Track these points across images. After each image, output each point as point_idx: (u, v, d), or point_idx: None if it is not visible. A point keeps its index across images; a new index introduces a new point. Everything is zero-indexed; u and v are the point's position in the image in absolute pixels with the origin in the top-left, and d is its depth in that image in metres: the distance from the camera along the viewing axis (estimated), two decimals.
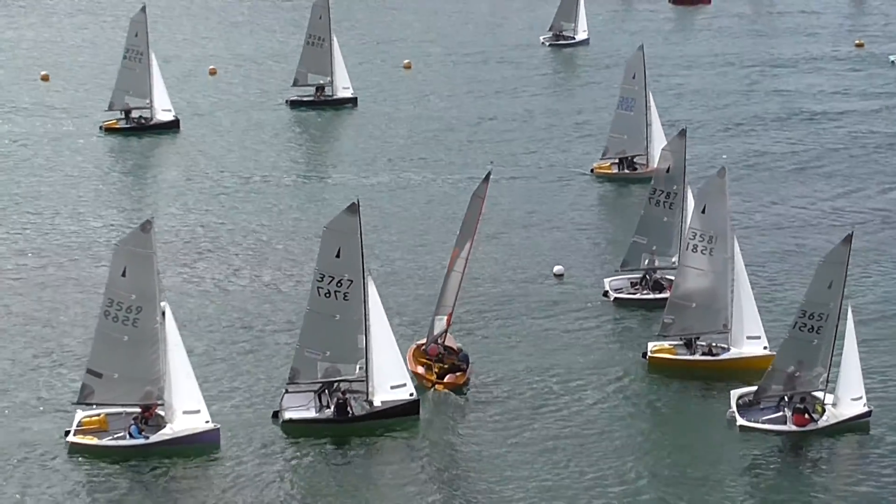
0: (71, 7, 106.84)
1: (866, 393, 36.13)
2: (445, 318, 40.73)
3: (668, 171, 43.88)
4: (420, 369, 39.51)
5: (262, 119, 70.66)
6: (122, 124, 65.84)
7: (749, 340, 38.93)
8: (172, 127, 66.29)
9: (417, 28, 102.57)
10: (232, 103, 73.80)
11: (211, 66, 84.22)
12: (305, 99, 73.14)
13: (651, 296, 46.47)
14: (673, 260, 45.67)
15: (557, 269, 49.25)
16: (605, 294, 46.64)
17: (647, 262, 45.84)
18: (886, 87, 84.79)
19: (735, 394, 36.62)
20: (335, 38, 71.43)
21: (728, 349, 38.71)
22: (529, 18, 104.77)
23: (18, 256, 49.05)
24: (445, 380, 39.01)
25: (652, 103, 58.95)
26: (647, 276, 46.36)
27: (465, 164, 64.22)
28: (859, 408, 35.94)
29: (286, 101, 72.76)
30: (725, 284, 40.09)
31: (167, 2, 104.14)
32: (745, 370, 38.56)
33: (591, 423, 36.27)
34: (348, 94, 73.11)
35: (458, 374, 39.45)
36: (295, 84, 73.03)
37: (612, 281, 47.17)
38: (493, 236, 52.60)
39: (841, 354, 35.85)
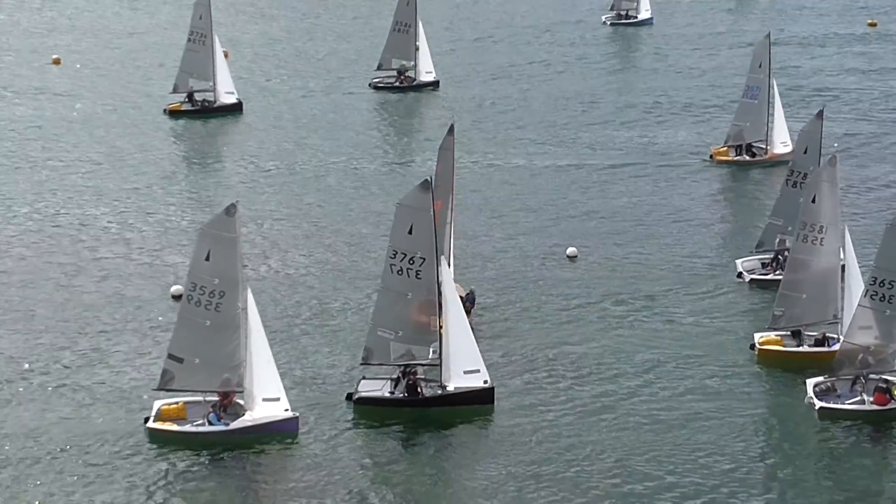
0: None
1: None
2: (448, 262, 40.85)
3: (805, 152, 43.13)
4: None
5: (335, 103, 70.37)
6: (186, 107, 66.14)
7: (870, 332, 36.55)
8: (235, 110, 66.51)
9: (494, 9, 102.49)
10: (299, 87, 73.70)
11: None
12: (386, 83, 73.45)
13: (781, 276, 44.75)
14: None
15: (571, 250, 48.67)
16: (740, 275, 46.32)
17: (779, 242, 45.16)
18: None
19: (811, 381, 36.11)
20: (421, 26, 71.36)
21: (838, 340, 37.59)
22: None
23: (92, 241, 48.72)
24: None
25: (776, 91, 57.85)
26: (780, 257, 45.45)
27: (537, 147, 63.82)
28: None
29: (370, 85, 72.75)
30: (836, 275, 39.33)
31: None
32: None
33: (690, 407, 35.95)
34: (430, 76, 72.80)
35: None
36: (379, 68, 73.05)
37: (744, 262, 46.77)
38: (630, 228, 52.31)
39: None
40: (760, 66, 57.40)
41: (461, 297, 40.28)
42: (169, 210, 52.83)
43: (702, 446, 33.44)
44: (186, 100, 65.97)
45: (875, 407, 35.26)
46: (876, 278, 35.69)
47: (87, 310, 41.82)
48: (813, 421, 35.20)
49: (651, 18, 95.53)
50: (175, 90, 66.20)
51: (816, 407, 35.20)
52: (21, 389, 36.08)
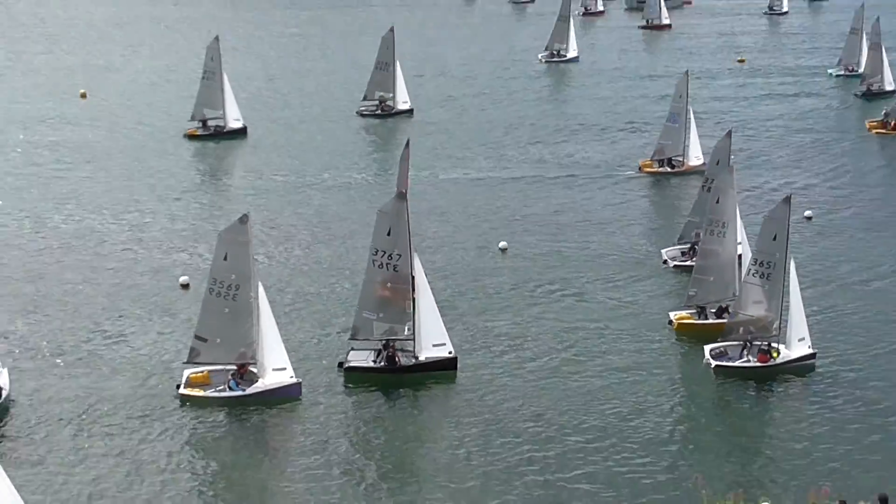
0: (150, 41, 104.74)
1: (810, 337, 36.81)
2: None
3: (717, 163, 43.86)
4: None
5: (327, 127, 70.61)
6: (200, 132, 66.67)
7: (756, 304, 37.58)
8: (241, 134, 67.10)
9: (455, 51, 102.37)
10: (295, 115, 73.96)
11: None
12: (370, 111, 73.67)
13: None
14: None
15: (502, 244, 48.93)
16: (665, 262, 46.98)
17: (695, 235, 45.46)
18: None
19: (708, 347, 37.06)
20: (398, 64, 72.09)
21: (737, 314, 37.64)
22: (534, 40, 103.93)
23: (119, 242, 48.81)
24: None
25: (692, 116, 58.95)
26: (695, 247, 45.29)
27: (496, 161, 64.35)
28: (805, 349, 36.53)
29: (356, 112, 73.22)
30: (735, 261, 40.21)
31: (240, 31, 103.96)
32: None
33: (618, 370, 36.60)
34: (406, 105, 73.50)
35: None
36: (364, 99, 73.73)
37: (668, 251, 47.49)
38: (571, 226, 52.50)
39: (788, 305, 36.41)
40: (681, 97, 58.20)
41: None
42: (186, 217, 52.99)
43: (628, 400, 34.47)
44: (201, 126, 66.69)
45: (758, 364, 36.64)
46: (756, 259, 37.06)
47: (114, 298, 42.24)
48: (710, 377, 36.43)
49: (577, 57, 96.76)
50: (192, 118, 66.82)
51: (712, 366, 36.49)
52: (67, 363, 36.63)
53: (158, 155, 63.29)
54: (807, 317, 36.88)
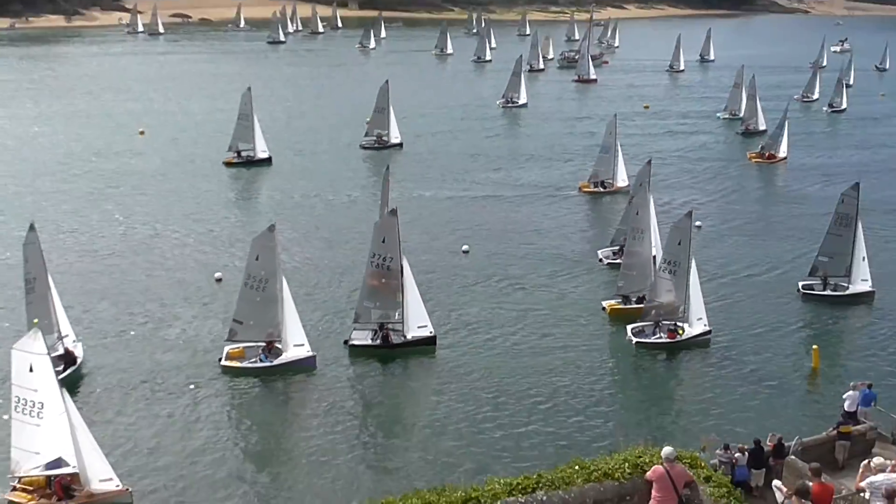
0: (195, 91, 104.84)
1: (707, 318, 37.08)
2: None
3: (640, 185, 43.68)
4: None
5: (335, 156, 70.53)
6: (235, 160, 66.14)
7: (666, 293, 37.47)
8: (267, 162, 66.73)
9: (433, 98, 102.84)
10: (310, 147, 73.75)
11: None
12: (370, 145, 73.37)
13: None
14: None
15: (465, 247, 48.24)
16: (600, 261, 46.50)
17: (622, 239, 44.87)
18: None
19: (630, 326, 37.11)
20: (392, 108, 72.00)
21: (652, 301, 37.42)
22: (491, 89, 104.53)
23: (166, 247, 48.37)
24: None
25: (619, 148, 59.36)
26: (623, 248, 44.82)
27: (464, 183, 64.15)
28: (703, 328, 36.57)
29: (360, 145, 72.84)
30: (651, 260, 40.11)
31: (266, 82, 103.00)
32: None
33: (562, 347, 36.59)
34: (397, 140, 73.29)
35: None
36: (365, 135, 73.50)
37: (602, 252, 47.12)
38: (521, 233, 52.18)
39: (689, 294, 36.45)
40: (610, 134, 58.32)
41: None
42: (222, 226, 52.59)
43: (569, 369, 34.52)
44: (236, 155, 66.12)
45: (668, 340, 36.65)
46: (665, 259, 37.17)
47: (164, 290, 41.94)
48: (632, 350, 36.56)
49: (527, 103, 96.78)
50: (229, 149, 66.31)
51: (633, 342, 36.55)
52: (128, 340, 36.46)
53: (202, 178, 62.95)
54: (704, 303, 37.03)
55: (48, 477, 24.32)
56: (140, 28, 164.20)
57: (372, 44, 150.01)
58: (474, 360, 35.16)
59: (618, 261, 44.94)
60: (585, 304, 41.26)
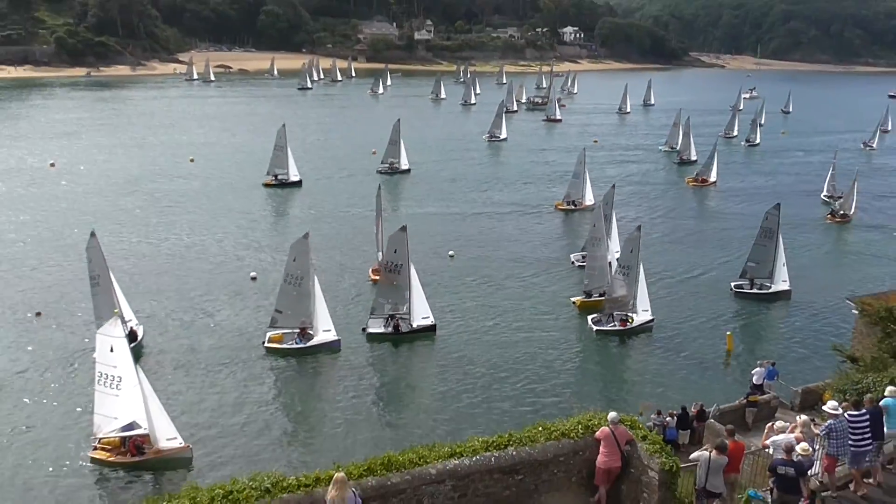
0: (238, 127, 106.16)
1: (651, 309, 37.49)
2: (381, 253, 41.76)
3: (606, 203, 44.43)
4: (374, 276, 41.58)
5: (355, 180, 69.95)
6: (272, 182, 66.19)
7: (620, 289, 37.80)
8: (298, 185, 66.76)
9: (433, 132, 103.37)
10: (334, 172, 73.53)
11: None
12: (384, 170, 73.52)
13: None
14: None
15: (451, 252, 48.07)
16: (573, 263, 46.23)
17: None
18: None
19: (590, 316, 37.55)
20: (402, 141, 72.49)
21: (610, 296, 37.69)
22: (477, 126, 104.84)
23: (218, 252, 48.29)
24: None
25: (587, 173, 60.04)
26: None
27: (460, 202, 64.15)
28: (647, 317, 37.01)
29: (376, 171, 72.95)
30: (605, 262, 40.25)
31: (298, 120, 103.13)
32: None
33: (539, 336, 36.71)
34: (406, 167, 73.80)
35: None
36: (381, 163, 73.92)
37: (574, 255, 47.12)
38: (502, 243, 52.30)
39: (637, 290, 36.92)
40: (580, 163, 59.01)
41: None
42: (261, 235, 52.83)
43: (544, 351, 34.79)
44: (273, 178, 66.17)
45: (620, 328, 36.55)
46: (620, 263, 37.68)
47: (209, 286, 42.03)
48: (592, 336, 36.92)
49: (507, 138, 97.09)
50: (267, 174, 66.50)
51: (593, 329, 36.89)
52: (180, 327, 36.50)
53: (244, 197, 62.92)
54: (649, 298, 37.57)
55: (123, 438, 24.54)
56: (195, 76, 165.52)
57: (381, 90, 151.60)
58: (467, 344, 35.19)
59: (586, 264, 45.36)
60: (558, 299, 41.26)
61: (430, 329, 35.81)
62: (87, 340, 33.03)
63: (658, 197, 68.79)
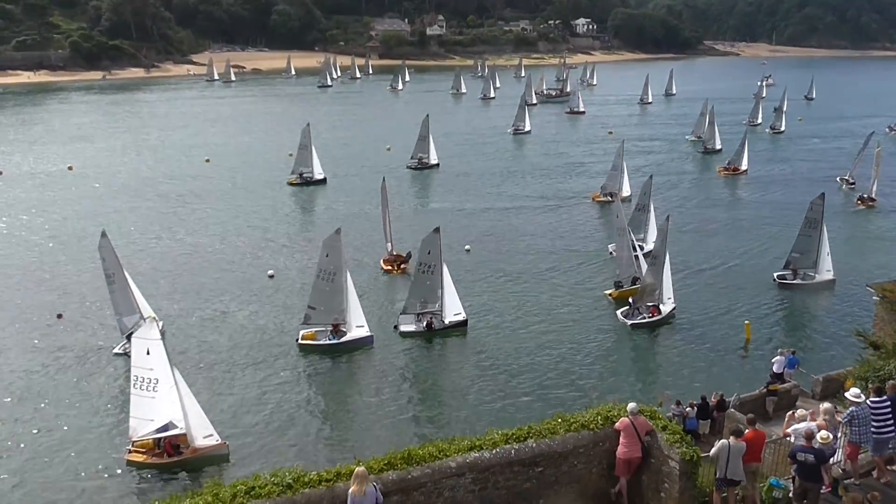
0: (259, 127, 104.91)
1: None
2: (390, 244, 44.29)
3: (643, 193, 44.37)
4: (386, 266, 43.57)
5: (385, 176, 69.35)
6: (297, 181, 66.19)
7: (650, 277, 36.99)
8: (323, 182, 66.60)
9: (460, 126, 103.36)
10: (360, 170, 72.79)
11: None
12: (414, 166, 73.58)
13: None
14: (640, 235, 44.98)
15: (467, 247, 47.51)
16: (611, 254, 45.20)
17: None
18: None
19: (619, 311, 36.97)
20: (431, 136, 72.55)
21: (643, 284, 36.96)
22: (500, 120, 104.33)
23: (233, 252, 47.97)
24: (401, 267, 43.22)
25: (625, 165, 59.93)
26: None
27: (489, 195, 64.15)
28: (671, 306, 36.65)
29: (407, 167, 73.29)
30: (630, 252, 39.62)
31: (323, 118, 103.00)
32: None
33: (572, 328, 36.22)
34: (435, 161, 73.92)
35: (403, 265, 43.28)
36: (411, 158, 74.02)
37: (610, 246, 46.10)
38: (547, 233, 52.19)
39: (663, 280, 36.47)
40: (619, 155, 59.01)
41: (403, 256, 44.10)
42: (289, 231, 53.05)
43: (567, 344, 34.37)
44: (298, 177, 66.20)
45: (650, 317, 36.29)
46: (650, 253, 37.46)
47: (236, 284, 41.84)
48: (622, 329, 36.30)
49: (530, 130, 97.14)
50: (292, 172, 66.62)
51: (628, 324, 36.22)
52: (205, 324, 36.49)
53: (271, 195, 63.01)
54: (673, 286, 37.28)
55: (157, 439, 24.49)
56: (216, 77, 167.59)
57: (400, 86, 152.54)
58: (498, 338, 35.11)
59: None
60: (594, 292, 40.91)
61: (462, 324, 35.66)
62: (109, 339, 33.66)
63: (691, 187, 68.04)
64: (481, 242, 49.80)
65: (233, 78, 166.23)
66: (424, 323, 35.52)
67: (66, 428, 26.89)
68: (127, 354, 31.64)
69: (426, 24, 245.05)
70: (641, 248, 45.08)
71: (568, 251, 48.15)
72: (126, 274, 32.81)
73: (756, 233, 53.04)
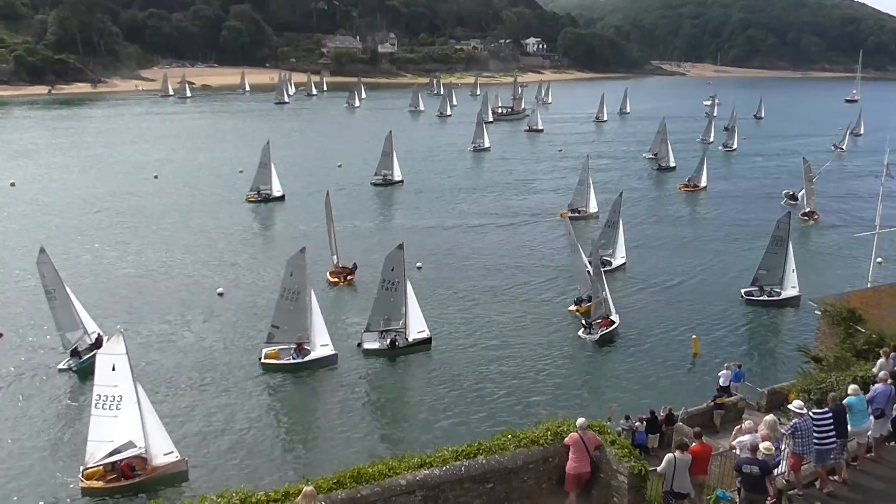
0: (209, 145, 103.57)
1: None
2: (336, 256, 44.57)
3: (614, 211, 45.21)
4: (332, 278, 43.93)
5: (348, 193, 68.87)
6: (256, 198, 65.45)
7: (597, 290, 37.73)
8: (281, 199, 65.85)
9: (423, 141, 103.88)
10: (320, 185, 71.00)
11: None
12: (378, 182, 73.46)
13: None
14: (609, 251, 46.64)
15: (418, 264, 46.45)
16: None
17: (598, 252, 45.51)
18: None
19: (580, 332, 36.98)
20: (395, 153, 72.83)
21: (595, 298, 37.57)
22: (459, 137, 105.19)
23: (207, 269, 46.89)
24: (348, 278, 43.85)
25: (590, 180, 60.98)
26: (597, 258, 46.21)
27: (455, 211, 64.26)
28: (617, 319, 37.09)
29: (371, 183, 73.37)
30: (582, 268, 39.87)
31: (282, 136, 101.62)
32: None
33: (525, 344, 36.16)
34: (399, 178, 74.08)
35: (350, 276, 44.04)
36: (375, 174, 73.99)
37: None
38: (518, 249, 52.22)
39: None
40: (585, 171, 60.10)
41: (349, 268, 44.78)
42: (248, 249, 51.86)
43: (525, 361, 34.40)
44: (256, 194, 65.51)
45: (609, 329, 36.44)
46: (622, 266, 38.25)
47: (179, 302, 40.78)
48: (579, 344, 36.30)
49: (490, 147, 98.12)
50: (251, 189, 65.91)
51: (587, 340, 36.32)
52: (162, 340, 35.94)
53: (227, 212, 62.09)
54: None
55: (112, 463, 23.69)
56: (171, 92, 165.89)
57: (357, 103, 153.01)
58: (462, 354, 35.15)
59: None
60: (559, 307, 41.13)
61: (426, 342, 35.52)
62: (52, 357, 33.16)
63: (653, 203, 69.29)
64: (447, 259, 49.74)
65: (188, 94, 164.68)
66: (388, 341, 35.19)
67: (10, 454, 25.80)
68: (71, 370, 31.90)
69: (378, 42, 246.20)
70: (610, 263, 46.40)
71: (537, 267, 48.23)
72: (68, 289, 32.50)
73: (717, 248, 53.97)
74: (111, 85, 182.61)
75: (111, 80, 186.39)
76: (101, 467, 23.60)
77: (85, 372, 30.80)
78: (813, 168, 63.98)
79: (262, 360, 33.20)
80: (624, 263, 47.32)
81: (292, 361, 33.13)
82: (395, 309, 35.41)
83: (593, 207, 60.14)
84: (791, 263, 41.56)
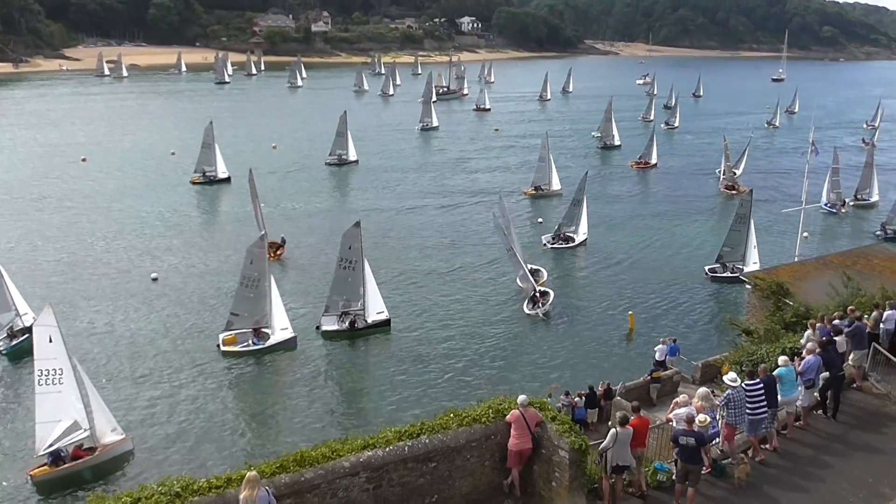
0: (146, 126, 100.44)
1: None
2: (263, 231, 39.41)
3: (579, 189, 45.90)
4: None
5: (302, 175, 68.42)
6: (201, 180, 63.99)
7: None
8: (227, 181, 64.17)
9: (388, 121, 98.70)
10: (273, 165, 70.66)
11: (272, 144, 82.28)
12: (333, 163, 72.69)
13: (563, 245, 47.28)
14: (573, 228, 47.83)
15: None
16: (544, 245, 47.02)
17: (562, 228, 47.35)
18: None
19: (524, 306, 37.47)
20: (349, 132, 72.36)
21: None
22: (405, 116, 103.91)
23: (180, 256, 45.66)
24: (277, 253, 43.55)
25: (552, 158, 61.27)
26: (560, 234, 47.50)
27: (412, 191, 63.83)
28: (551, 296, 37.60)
29: (325, 163, 72.85)
30: (513, 252, 39.79)
31: (226, 116, 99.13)
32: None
33: (479, 324, 36.21)
34: (354, 158, 73.61)
35: (279, 250, 44.08)
36: (329, 155, 73.43)
37: (545, 237, 47.77)
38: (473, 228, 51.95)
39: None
40: (545, 147, 60.47)
41: (278, 242, 44.65)
42: (176, 232, 50.52)
43: (475, 339, 34.28)
44: (202, 175, 64.00)
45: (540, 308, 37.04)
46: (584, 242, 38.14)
47: (182, 294, 39.51)
48: (525, 322, 36.59)
49: (438, 126, 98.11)
50: (196, 171, 64.30)
51: (539, 313, 36.79)
52: (113, 330, 34.82)
53: (171, 195, 60.59)
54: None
55: (59, 450, 23.38)
56: (106, 72, 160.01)
57: (299, 82, 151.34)
58: (420, 335, 35.14)
59: (557, 245, 47.00)
60: (508, 285, 40.96)
61: (385, 324, 35.59)
62: None
63: (607, 181, 70.28)
64: (405, 238, 49.60)
65: (125, 74, 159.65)
66: (347, 322, 35.18)
67: None
68: (2, 353, 31.39)
69: (311, 21, 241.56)
70: (573, 239, 47.61)
71: (493, 246, 47.67)
72: (3, 271, 32.03)
73: (673, 224, 54.69)
74: (34, 65, 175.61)
75: (34, 59, 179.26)
76: (45, 466, 23.12)
77: (17, 354, 30.74)
78: (729, 146, 65.86)
79: (221, 347, 32.76)
80: (585, 240, 48.20)
81: (252, 348, 32.77)
82: (353, 289, 35.42)
83: (556, 185, 60.81)
84: (753, 240, 42.45)
